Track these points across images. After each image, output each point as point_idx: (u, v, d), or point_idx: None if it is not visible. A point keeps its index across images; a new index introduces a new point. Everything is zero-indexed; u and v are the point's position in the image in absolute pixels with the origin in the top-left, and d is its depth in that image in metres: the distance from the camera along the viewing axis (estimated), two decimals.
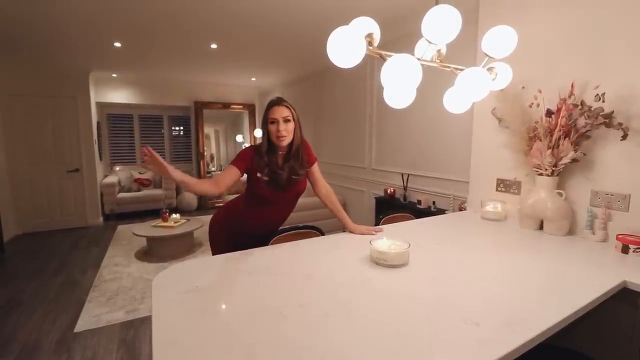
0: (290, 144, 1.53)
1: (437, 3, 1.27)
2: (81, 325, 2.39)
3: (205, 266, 1.23)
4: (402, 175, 3.41)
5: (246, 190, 1.63)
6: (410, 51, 1.29)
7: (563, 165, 1.61)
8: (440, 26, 1.12)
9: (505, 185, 2.01)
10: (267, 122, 1.49)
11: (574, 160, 1.59)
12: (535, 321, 0.85)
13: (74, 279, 3.24)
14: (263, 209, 1.59)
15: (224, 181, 1.44)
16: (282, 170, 1.52)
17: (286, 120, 1.47)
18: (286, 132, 1.47)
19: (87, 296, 2.84)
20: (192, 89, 6.50)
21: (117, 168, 6.48)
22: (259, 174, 1.50)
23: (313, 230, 1.69)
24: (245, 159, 1.50)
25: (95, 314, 2.54)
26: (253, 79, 6.07)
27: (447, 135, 2.95)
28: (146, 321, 2.44)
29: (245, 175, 1.55)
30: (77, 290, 2.98)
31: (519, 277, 1.16)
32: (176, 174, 1.26)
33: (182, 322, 0.86)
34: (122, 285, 3.06)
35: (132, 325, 2.40)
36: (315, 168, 1.67)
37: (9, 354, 2.08)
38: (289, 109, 1.49)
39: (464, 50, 2.11)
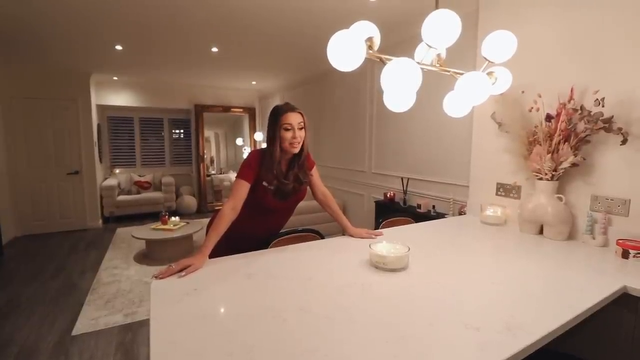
0: (298, 152, 1.49)
1: (437, 7, 1.28)
2: (79, 328, 2.38)
3: (203, 269, 1.23)
4: (402, 179, 3.41)
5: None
6: (410, 55, 1.29)
7: (563, 170, 1.62)
8: (440, 30, 1.13)
9: (505, 190, 2.01)
10: (281, 128, 1.42)
11: (573, 165, 1.59)
12: (536, 326, 0.84)
13: (73, 281, 3.23)
14: (264, 216, 1.57)
15: (240, 200, 1.40)
16: (287, 179, 1.49)
17: (300, 128, 1.43)
18: (300, 139, 1.43)
19: (86, 299, 2.82)
20: (192, 92, 6.51)
21: (117, 170, 6.48)
22: (264, 183, 1.45)
23: (312, 234, 1.68)
24: (253, 167, 1.44)
25: (93, 317, 2.53)
26: (253, 82, 6.09)
27: (447, 139, 2.96)
28: (144, 324, 2.42)
29: None
30: (76, 293, 2.97)
31: (519, 281, 1.16)
32: (206, 250, 1.28)
33: (180, 325, 0.85)
34: (120, 288, 3.05)
35: (130, 328, 2.39)
36: (314, 172, 1.66)
37: (7, 357, 2.07)
38: (303, 116, 1.46)
39: (464, 54, 2.12)
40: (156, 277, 1.12)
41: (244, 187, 1.42)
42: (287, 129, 1.42)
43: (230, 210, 1.38)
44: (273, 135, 1.44)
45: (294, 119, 1.42)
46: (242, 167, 1.45)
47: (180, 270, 1.16)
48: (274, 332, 0.82)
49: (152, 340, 0.79)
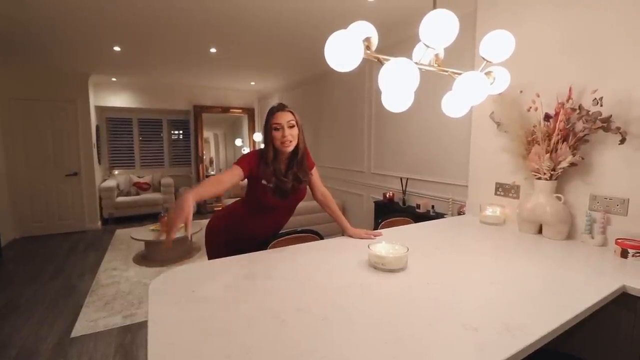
0: (294, 150, 1.50)
1: (434, 7, 1.28)
2: (78, 330, 2.38)
3: (202, 270, 1.23)
4: (401, 179, 3.41)
5: (246, 196, 1.61)
6: (408, 55, 1.29)
7: (561, 170, 1.61)
8: (438, 30, 1.13)
9: (504, 189, 2.01)
10: (271, 129, 1.45)
11: (572, 165, 1.59)
12: (535, 326, 0.84)
13: (72, 283, 3.22)
14: (264, 215, 1.58)
15: (229, 179, 1.38)
16: (286, 178, 1.50)
17: (290, 126, 1.45)
18: (291, 137, 1.45)
19: (85, 301, 2.82)
20: (191, 92, 6.51)
21: (116, 172, 6.47)
22: (264, 182, 1.47)
23: (312, 234, 1.68)
24: (250, 163, 1.46)
25: (92, 319, 2.52)
26: (252, 83, 6.08)
27: (445, 139, 2.96)
28: (144, 326, 2.42)
29: (245, 180, 1.53)
30: (75, 294, 2.96)
31: (518, 281, 1.15)
32: (191, 200, 1.16)
33: (179, 327, 0.85)
34: (119, 289, 3.04)
35: (130, 330, 2.38)
36: (314, 173, 1.66)
37: (6, 359, 2.06)
38: (293, 114, 1.47)
39: (462, 54, 2.11)
40: (168, 245, 1.12)
41: (236, 173, 1.41)
42: (276, 129, 1.45)
43: (217, 178, 1.36)
44: (266, 136, 1.49)
45: (282, 118, 1.44)
46: (241, 158, 1.48)
47: (183, 226, 1.11)
48: (273, 333, 0.82)
49: (150, 341, 0.78)
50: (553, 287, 1.11)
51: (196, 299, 1.00)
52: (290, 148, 1.47)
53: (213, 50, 3.93)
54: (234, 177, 1.41)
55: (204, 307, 0.96)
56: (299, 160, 1.53)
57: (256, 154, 1.50)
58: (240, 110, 7.04)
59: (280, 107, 1.48)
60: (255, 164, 1.47)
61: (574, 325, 0.91)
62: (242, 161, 1.46)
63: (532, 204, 1.69)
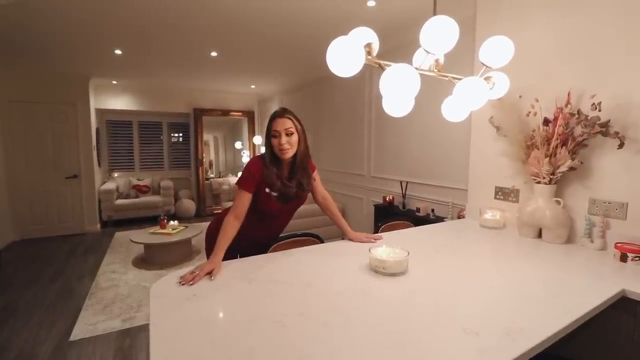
0: (295, 156, 1.47)
1: (435, 13, 1.30)
2: (77, 333, 2.37)
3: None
4: (401, 182, 3.42)
5: None
6: (409, 60, 1.31)
7: (561, 174, 1.62)
8: (438, 36, 1.14)
9: (503, 193, 2.01)
10: (270, 135, 1.44)
11: (571, 169, 1.60)
12: (535, 330, 0.84)
13: (71, 286, 3.21)
14: (264, 219, 1.57)
15: (243, 211, 1.42)
16: (291, 184, 1.49)
17: (288, 133, 1.41)
18: (289, 145, 1.41)
19: (84, 304, 2.81)
20: (191, 95, 6.53)
21: (116, 174, 6.47)
22: (267, 190, 1.45)
23: (312, 238, 1.68)
24: (254, 176, 1.43)
25: (91, 322, 2.51)
26: (252, 86, 6.10)
27: (445, 143, 2.97)
28: (143, 330, 2.41)
29: None
30: (74, 297, 2.96)
31: (518, 285, 1.16)
32: (221, 254, 1.30)
33: (180, 330, 0.85)
34: (119, 292, 3.04)
35: (129, 333, 2.38)
36: (315, 175, 1.66)
37: None
38: (292, 120, 1.43)
39: (462, 59, 2.13)
40: (187, 284, 1.12)
41: (246, 197, 1.42)
42: (274, 136, 1.42)
43: (233, 220, 1.39)
44: (265, 142, 1.47)
45: (280, 125, 1.41)
46: (243, 177, 1.46)
47: (208, 274, 1.18)
48: (274, 337, 0.82)
49: (151, 345, 0.79)
50: (553, 291, 1.12)
51: (197, 302, 1.01)
52: (288, 155, 1.44)
53: (214, 53, 3.95)
54: (246, 203, 1.43)
55: (205, 311, 0.96)
56: (301, 166, 1.51)
57: (257, 162, 1.48)
58: (240, 113, 7.05)
59: (280, 113, 1.44)
60: (257, 173, 1.44)
61: (574, 329, 0.91)
62: (245, 183, 1.43)
63: (532, 208, 1.70)
